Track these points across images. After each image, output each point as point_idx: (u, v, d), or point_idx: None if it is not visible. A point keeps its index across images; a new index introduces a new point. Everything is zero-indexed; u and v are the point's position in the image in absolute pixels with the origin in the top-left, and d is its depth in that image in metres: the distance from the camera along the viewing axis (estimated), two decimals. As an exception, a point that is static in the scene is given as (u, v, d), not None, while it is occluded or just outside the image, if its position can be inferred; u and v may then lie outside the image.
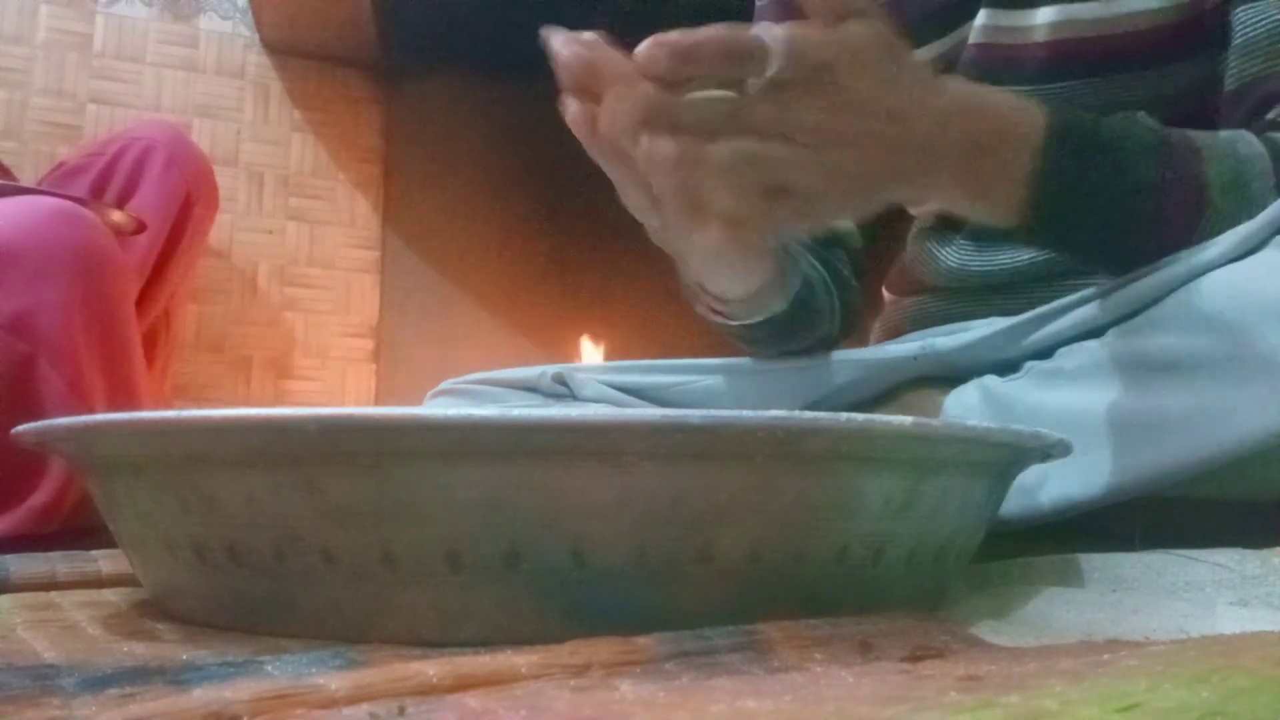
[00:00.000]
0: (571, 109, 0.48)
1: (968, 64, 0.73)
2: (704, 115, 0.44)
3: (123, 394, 1.07)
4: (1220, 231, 0.53)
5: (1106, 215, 0.54)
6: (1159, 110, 0.67)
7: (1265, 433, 0.47)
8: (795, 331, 0.71)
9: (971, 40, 0.72)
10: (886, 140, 0.46)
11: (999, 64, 0.71)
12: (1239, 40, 0.63)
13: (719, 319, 0.68)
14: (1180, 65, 0.66)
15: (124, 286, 1.12)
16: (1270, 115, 0.62)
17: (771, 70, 0.43)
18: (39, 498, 0.99)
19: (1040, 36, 0.69)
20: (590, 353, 1.58)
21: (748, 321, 0.66)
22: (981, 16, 0.72)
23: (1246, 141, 0.57)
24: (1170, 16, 0.65)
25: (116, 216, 1.16)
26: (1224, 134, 0.58)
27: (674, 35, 0.44)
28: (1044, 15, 0.69)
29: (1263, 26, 0.62)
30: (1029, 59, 0.70)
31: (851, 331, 0.80)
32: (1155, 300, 0.53)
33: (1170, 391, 0.50)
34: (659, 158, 0.44)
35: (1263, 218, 0.52)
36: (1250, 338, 0.48)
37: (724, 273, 0.61)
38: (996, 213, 0.54)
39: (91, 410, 0.99)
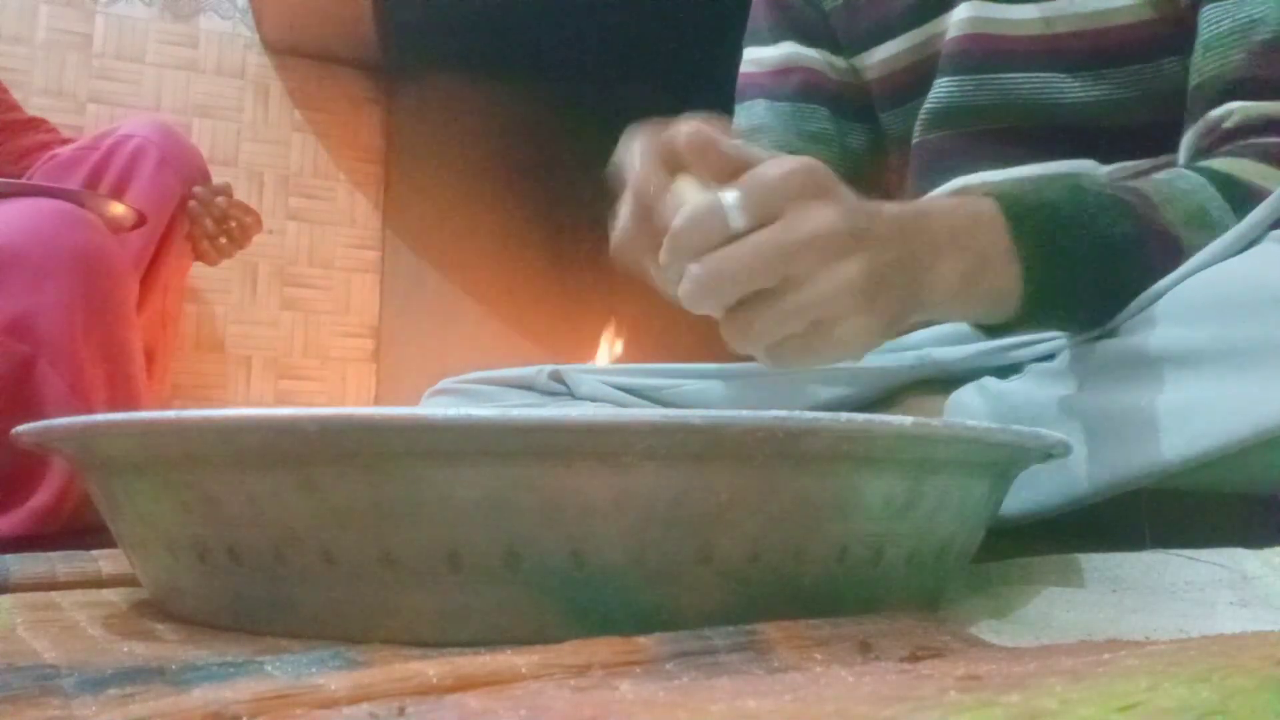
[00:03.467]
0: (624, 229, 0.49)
1: (954, 56, 0.73)
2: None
3: (123, 394, 1.07)
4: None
5: (1094, 280, 0.54)
6: (1153, 107, 0.67)
7: (1266, 423, 0.47)
8: None
9: (955, 33, 0.73)
10: (876, 253, 0.45)
11: (988, 56, 0.71)
12: (1203, 38, 0.64)
13: None
14: (1170, 61, 0.67)
15: (124, 288, 1.12)
16: (1217, 111, 0.62)
17: (737, 225, 0.43)
18: (40, 499, 0.99)
19: (1031, 30, 0.70)
20: (604, 352, 1.58)
21: None
22: (965, 10, 0.72)
23: (1184, 177, 0.58)
24: (1151, 12, 0.66)
25: (117, 210, 1.16)
26: (1159, 176, 0.59)
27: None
28: (1028, 11, 0.69)
29: (1224, 24, 0.63)
30: (1021, 52, 0.70)
31: None
32: (1153, 301, 0.53)
33: (1170, 385, 0.50)
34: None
35: (1255, 215, 0.52)
36: (1248, 327, 0.49)
37: None
38: (993, 304, 0.53)
39: (92, 411, 0.99)
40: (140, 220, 1.21)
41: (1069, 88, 0.69)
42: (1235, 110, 0.62)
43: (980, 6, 0.72)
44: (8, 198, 1.07)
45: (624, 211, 0.49)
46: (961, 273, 0.51)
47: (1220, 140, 0.62)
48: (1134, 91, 0.68)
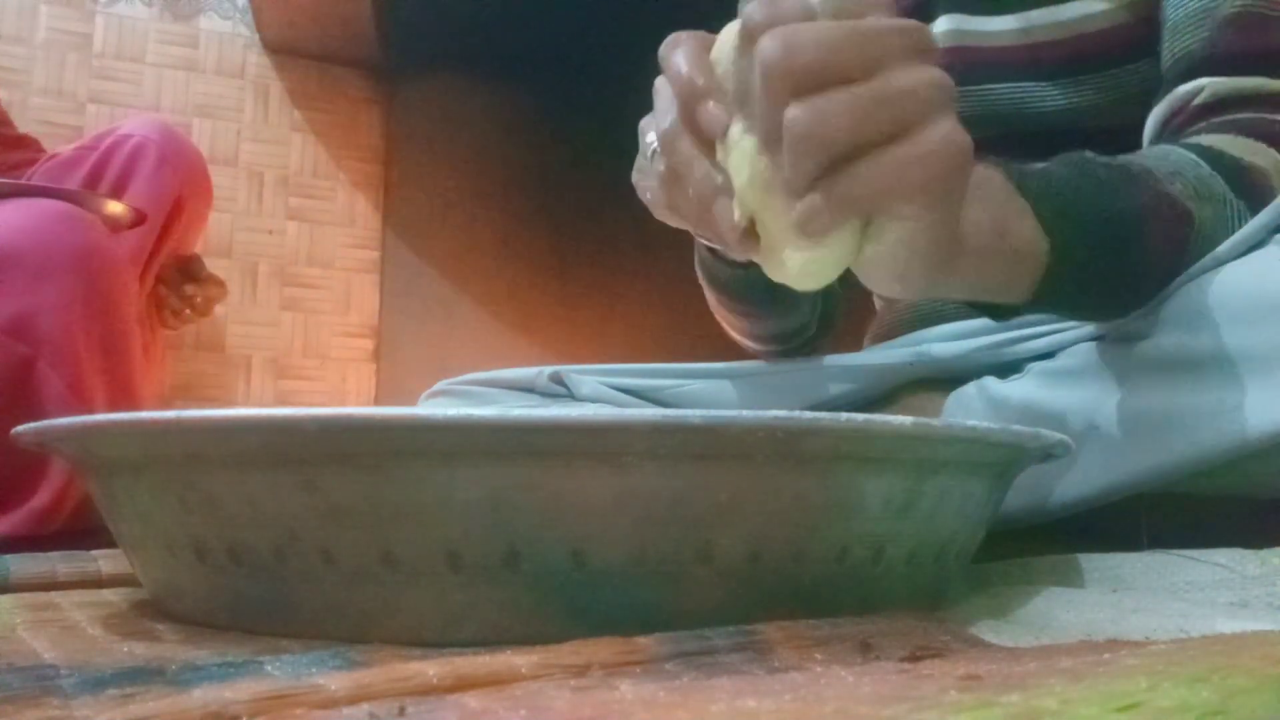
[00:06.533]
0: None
1: None
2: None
3: (122, 395, 1.07)
4: (1208, 243, 0.53)
5: (1104, 253, 0.51)
6: (1132, 108, 0.67)
7: (1268, 430, 0.47)
8: (779, 304, 0.71)
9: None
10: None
11: (969, 69, 0.71)
12: (1169, 23, 0.65)
13: (709, 258, 0.68)
14: (1144, 63, 0.67)
15: (124, 288, 1.12)
16: (1187, 87, 0.62)
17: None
18: (40, 499, 0.99)
19: (1006, 41, 0.70)
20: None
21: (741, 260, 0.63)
22: (943, 22, 0.73)
23: (1173, 153, 0.57)
24: (1124, 16, 0.67)
25: (115, 209, 1.16)
26: (1149, 152, 0.58)
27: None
28: (1006, 22, 0.70)
29: (1190, 5, 0.64)
30: (1000, 63, 0.70)
31: (829, 334, 0.80)
32: (1158, 302, 0.53)
33: (1173, 389, 0.50)
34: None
35: (1261, 218, 0.52)
36: (1251, 334, 0.48)
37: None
38: (1014, 266, 0.49)
39: (91, 411, 0.99)
40: (139, 219, 1.21)
41: (1049, 95, 0.69)
42: (1206, 86, 0.62)
43: (958, 19, 0.72)
44: (7, 198, 1.07)
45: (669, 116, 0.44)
46: (992, 218, 0.46)
47: (1193, 117, 0.62)
48: (1113, 95, 0.68)
